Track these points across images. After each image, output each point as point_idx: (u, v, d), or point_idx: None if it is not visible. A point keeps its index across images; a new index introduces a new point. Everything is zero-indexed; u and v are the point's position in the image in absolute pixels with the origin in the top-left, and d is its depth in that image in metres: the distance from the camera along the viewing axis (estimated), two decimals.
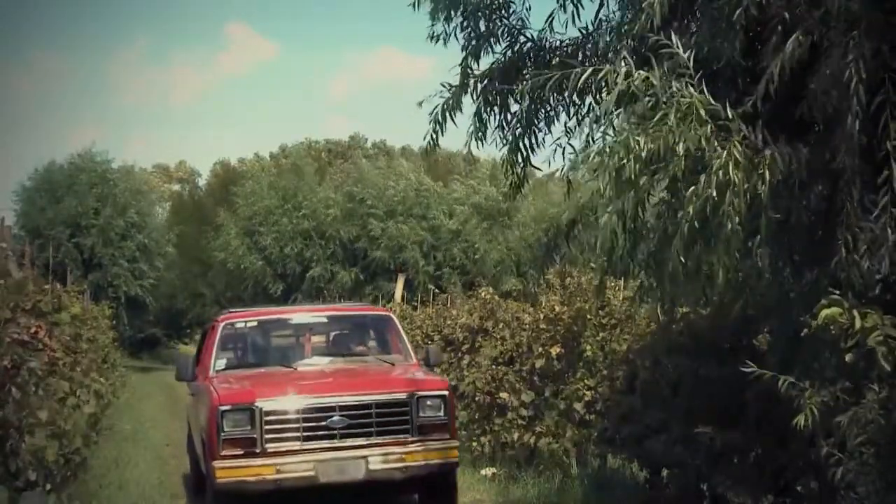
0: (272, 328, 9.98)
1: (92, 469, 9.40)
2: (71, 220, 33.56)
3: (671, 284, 4.61)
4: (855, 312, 4.20)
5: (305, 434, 7.89)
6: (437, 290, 29.21)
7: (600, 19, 6.14)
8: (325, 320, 10.14)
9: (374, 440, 8.00)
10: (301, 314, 10.51)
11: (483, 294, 14.40)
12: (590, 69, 4.77)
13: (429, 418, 8.12)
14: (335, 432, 7.91)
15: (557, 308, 10.57)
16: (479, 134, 6.29)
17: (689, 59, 4.47)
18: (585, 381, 9.75)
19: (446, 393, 8.31)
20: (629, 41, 5.34)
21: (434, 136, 6.35)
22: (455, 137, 7.22)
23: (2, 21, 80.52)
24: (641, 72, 4.48)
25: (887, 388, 4.22)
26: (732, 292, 4.89)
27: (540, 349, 10.56)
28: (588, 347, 9.76)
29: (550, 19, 6.24)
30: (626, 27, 5.43)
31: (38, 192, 34.24)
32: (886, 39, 4.40)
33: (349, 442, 7.96)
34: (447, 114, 6.23)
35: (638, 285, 5.65)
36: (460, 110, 6.29)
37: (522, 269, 30.16)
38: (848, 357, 4.23)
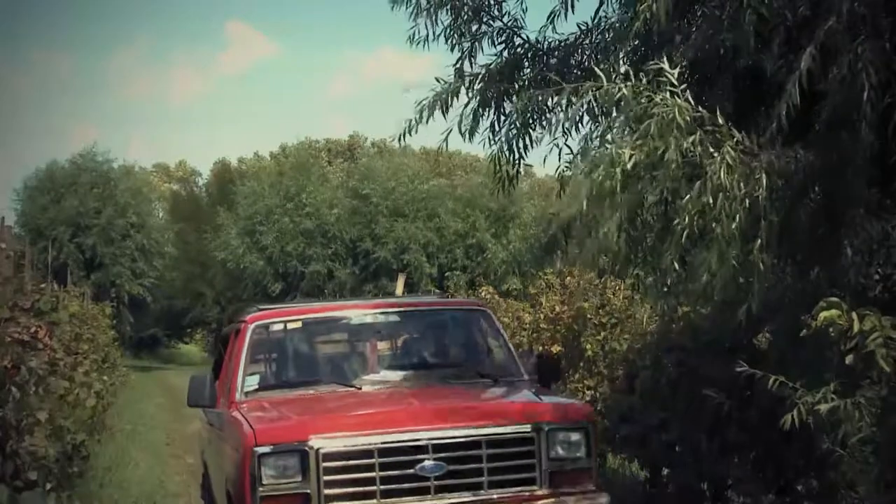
0: (321, 331, 7.33)
1: (92, 469, 9.40)
2: (72, 220, 33.61)
3: (669, 284, 4.62)
4: (854, 314, 4.20)
5: (385, 487, 5.48)
6: (438, 290, 29.23)
7: (600, 17, 6.15)
8: (396, 319, 7.35)
9: (485, 495, 5.58)
10: (360, 311, 7.56)
11: (483, 293, 14.42)
12: (570, 87, 4.83)
13: (564, 461, 5.72)
14: (428, 484, 5.52)
15: (558, 308, 10.58)
16: (471, 131, 6.27)
17: (675, 72, 4.51)
18: (585, 381, 9.75)
19: (588, 424, 5.89)
20: (630, 42, 5.35)
21: (411, 128, 6.27)
22: (451, 136, 6.80)
23: (2, 21, 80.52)
24: (619, 85, 4.51)
25: (886, 388, 4.22)
26: (735, 294, 4.89)
27: (540, 348, 10.56)
28: (588, 346, 9.76)
29: (553, 17, 6.24)
30: (625, 27, 5.44)
31: (39, 191, 34.31)
32: (893, 42, 4.41)
33: (449, 498, 5.57)
34: (440, 108, 6.21)
35: (633, 278, 5.66)
36: (451, 107, 6.27)
37: (523, 268, 30.20)
38: (848, 359, 4.24)
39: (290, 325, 7.16)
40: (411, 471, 5.51)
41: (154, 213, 39.84)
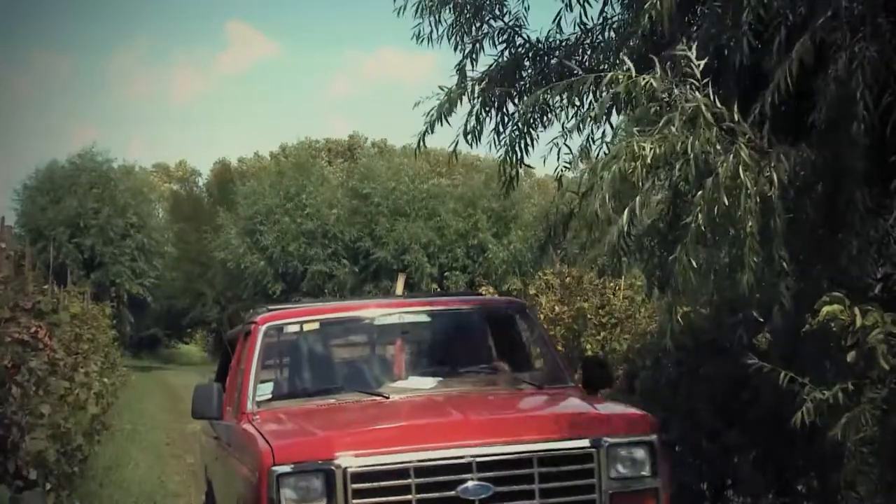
0: (341, 332, 6.68)
1: (92, 469, 9.41)
2: (71, 220, 33.66)
3: (678, 285, 4.60)
4: (856, 310, 4.21)
5: None
6: (438, 289, 29.23)
7: (603, 17, 6.16)
8: (425, 319, 6.57)
9: None
10: (384, 310, 6.73)
11: (483, 293, 14.41)
12: (592, 76, 4.78)
13: (627, 481, 5.01)
14: None
15: (557, 308, 10.59)
16: (476, 134, 6.30)
17: (699, 64, 4.47)
18: None
19: (653, 438, 5.11)
20: (633, 41, 5.35)
21: (423, 138, 6.34)
22: (454, 136, 6.63)
23: (2, 21, 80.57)
24: (644, 76, 4.49)
25: (887, 387, 4.23)
26: (748, 294, 4.87)
27: None
28: (588, 347, 9.77)
29: (558, 19, 6.27)
30: (629, 27, 5.44)
31: (38, 191, 34.37)
32: (892, 41, 4.42)
33: None
34: (442, 116, 6.24)
35: (645, 275, 5.67)
36: (454, 112, 6.30)
37: (524, 268, 30.24)
38: (850, 356, 4.24)
39: (307, 327, 6.43)
40: (452, 493, 4.80)
41: (154, 213, 39.90)
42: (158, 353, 43.82)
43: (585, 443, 4.97)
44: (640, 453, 5.05)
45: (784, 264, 4.44)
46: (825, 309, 4.24)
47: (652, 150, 4.33)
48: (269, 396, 5.95)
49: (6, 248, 7.64)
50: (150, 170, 56.99)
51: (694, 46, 4.55)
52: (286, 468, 4.79)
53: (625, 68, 4.59)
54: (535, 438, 4.95)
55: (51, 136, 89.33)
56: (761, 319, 5.07)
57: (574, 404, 5.66)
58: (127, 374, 20.50)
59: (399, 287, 18.42)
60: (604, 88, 4.60)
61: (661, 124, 4.39)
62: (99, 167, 35.45)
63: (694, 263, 4.41)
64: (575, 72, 5.66)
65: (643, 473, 5.03)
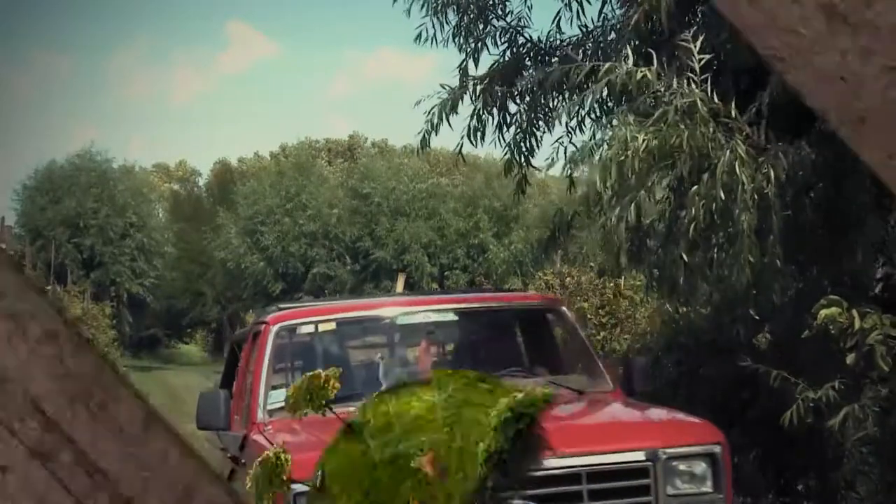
0: (359, 333, 6.18)
1: None
2: (70, 220, 33.68)
3: (677, 283, 4.60)
4: (854, 312, 4.21)
5: None
6: (439, 289, 29.21)
7: (603, 17, 6.18)
8: (452, 318, 6.04)
9: None
10: (407, 308, 6.16)
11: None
12: (590, 65, 4.79)
13: (687, 497, 4.50)
14: None
15: None
16: (479, 134, 6.32)
17: (701, 58, 4.46)
18: None
19: (717, 448, 4.54)
20: (631, 38, 5.36)
21: (427, 137, 6.37)
22: (455, 135, 6.42)
23: (2, 21, 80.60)
24: (640, 69, 4.49)
25: (887, 387, 4.23)
26: (745, 291, 4.86)
27: None
28: None
29: (557, 19, 6.28)
30: (629, 24, 5.45)
31: (38, 191, 34.39)
32: None
33: None
34: (444, 115, 6.26)
35: (646, 283, 5.68)
36: (456, 112, 6.31)
37: (524, 268, 30.24)
38: (849, 359, 4.24)
39: (322, 327, 5.91)
40: None
41: (154, 212, 39.91)
42: (158, 353, 43.77)
43: (640, 455, 4.45)
44: (700, 466, 4.52)
45: (778, 262, 4.44)
46: (823, 312, 4.24)
47: (645, 142, 4.33)
48: (282, 404, 5.29)
49: (6, 248, 7.64)
50: (150, 170, 56.95)
51: (698, 40, 4.55)
52: (305, 486, 4.15)
53: (623, 59, 4.60)
54: (582, 451, 4.36)
55: (51, 136, 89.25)
56: (757, 317, 5.08)
57: (624, 412, 5.20)
58: (126, 374, 20.47)
59: (399, 287, 18.44)
60: (599, 79, 4.61)
61: (655, 117, 4.40)
62: (98, 167, 35.45)
63: (686, 259, 4.42)
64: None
65: (704, 489, 4.50)
